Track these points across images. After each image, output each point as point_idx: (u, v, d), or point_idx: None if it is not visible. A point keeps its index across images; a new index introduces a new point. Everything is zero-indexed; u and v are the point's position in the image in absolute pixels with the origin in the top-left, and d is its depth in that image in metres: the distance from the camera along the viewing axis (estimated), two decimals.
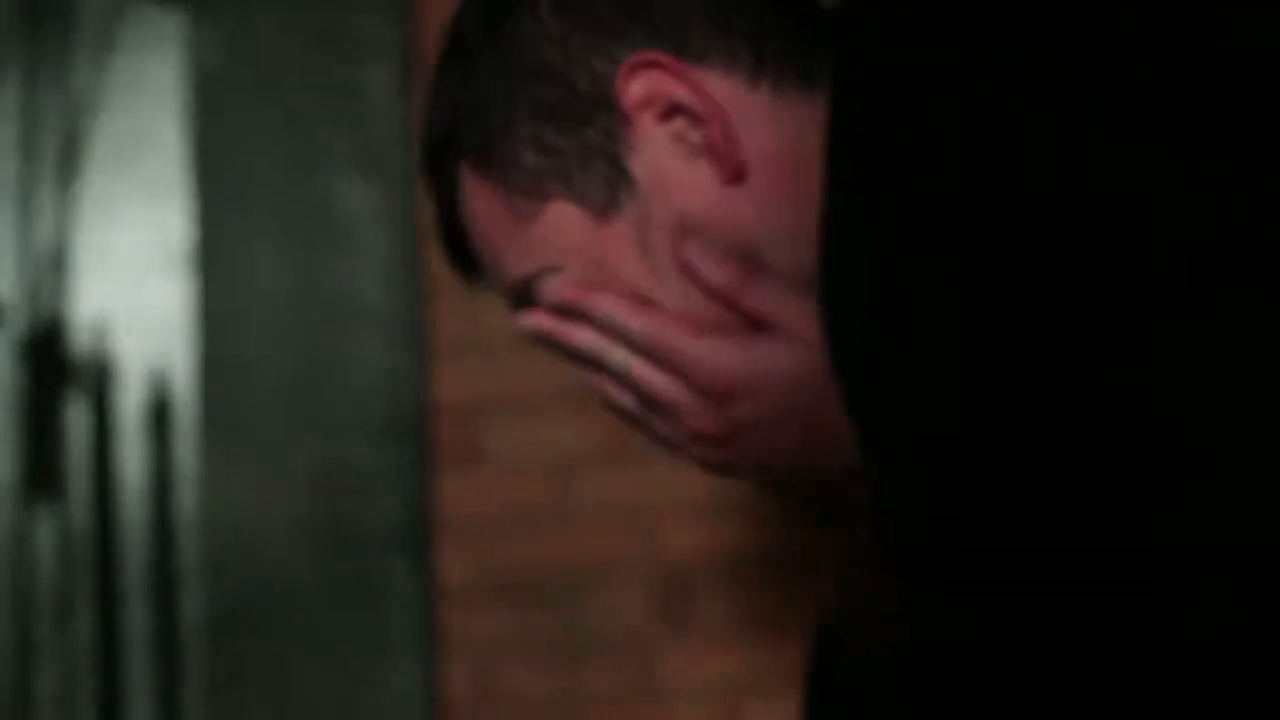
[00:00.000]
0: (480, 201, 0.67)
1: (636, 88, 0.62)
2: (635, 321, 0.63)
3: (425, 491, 1.49)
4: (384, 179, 1.52)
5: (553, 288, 0.65)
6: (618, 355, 0.64)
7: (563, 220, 0.64)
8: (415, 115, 1.51)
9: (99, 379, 1.31)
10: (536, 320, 0.66)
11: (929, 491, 0.45)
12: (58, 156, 1.49)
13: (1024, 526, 0.43)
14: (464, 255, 0.70)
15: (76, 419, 1.42)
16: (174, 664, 1.42)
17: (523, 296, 0.67)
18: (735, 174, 0.62)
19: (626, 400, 0.67)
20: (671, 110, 0.63)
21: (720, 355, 0.62)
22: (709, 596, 1.54)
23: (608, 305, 0.63)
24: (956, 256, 0.43)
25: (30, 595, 1.41)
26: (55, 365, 1.43)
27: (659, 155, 0.63)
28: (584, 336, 0.65)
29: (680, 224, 0.63)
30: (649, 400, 0.65)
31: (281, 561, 1.45)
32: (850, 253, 0.48)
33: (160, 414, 1.46)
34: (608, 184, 0.63)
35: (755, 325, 0.63)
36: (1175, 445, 0.41)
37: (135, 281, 1.48)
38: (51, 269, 1.46)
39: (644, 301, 0.64)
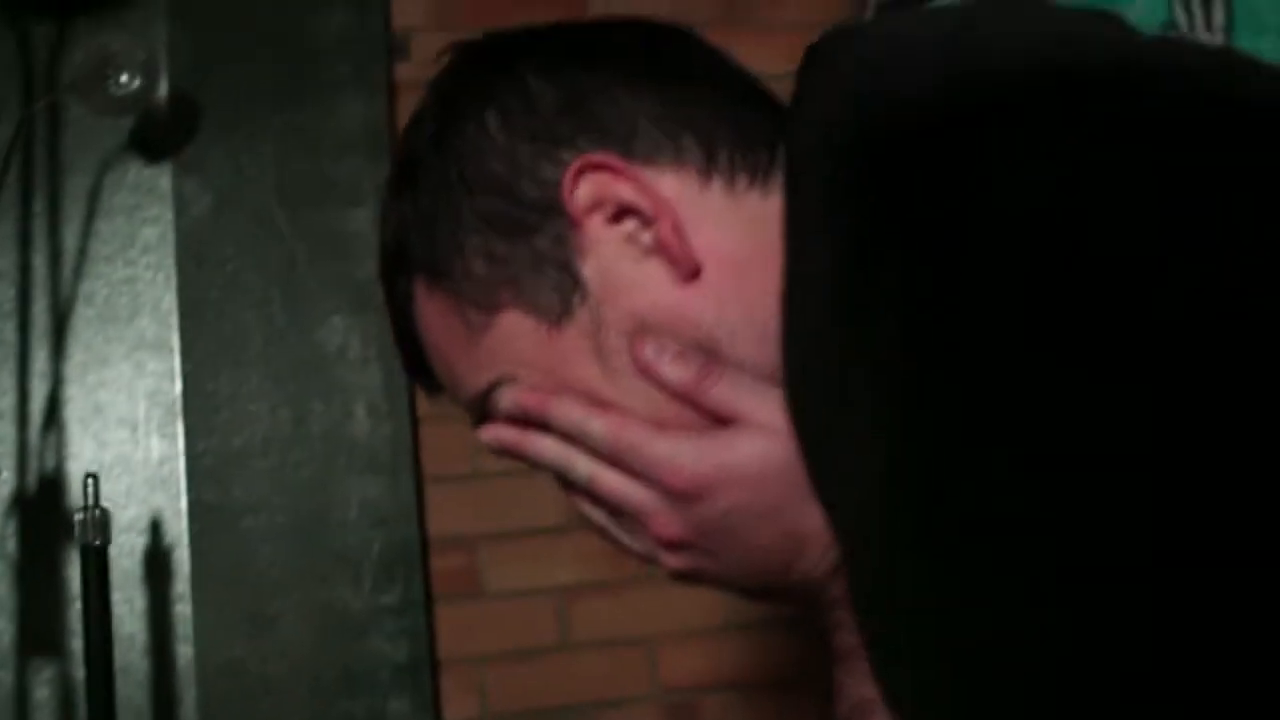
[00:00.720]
0: (433, 315, 0.66)
1: (584, 191, 0.61)
2: (595, 424, 0.61)
3: (425, 628, 1.47)
4: (370, 317, 1.54)
5: (509, 397, 0.64)
6: (580, 463, 0.63)
7: (515, 330, 0.63)
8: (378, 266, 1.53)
9: (94, 533, 1.31)
10: (496, 434, 0.65)
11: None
12: (50, 317, 1.51)
13: None
14: (423, 370, 0.69)
15: (73, 575, 1.42)
16: None
17: (481, 409, 0.66)
18: (688, 272, 0.61)
19: (598, 514, 0.65)
20: (620, 212, 0.61)
21: (683, 454, 0.60)
22: (714, 718, 1.51)
23: (565, 409, 0.62)
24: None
25: None
26: (51, 522, 1.43)
27: (610, 258, 0.62)
28: (545, 446, 0.64)
29: (636, 325, 0.61)
30: (615, 508, 0.63)
31: (283, 707, 1.43)
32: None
33: (155, 565, 1.45)
34: (559, 290, 0.62)
35: (719, 421, 0.60)
36: None
37: (129, 434, 1.49)
38: (45, 426, 1.47)
39: (602, 405, 0.62)
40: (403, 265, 0.67)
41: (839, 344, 0.49)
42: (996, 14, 0.52)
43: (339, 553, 1.48)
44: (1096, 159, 0.42)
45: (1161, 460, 0.38)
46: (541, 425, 0.64)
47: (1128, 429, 0.39)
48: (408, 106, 1.57)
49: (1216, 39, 0.74)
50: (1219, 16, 0.75)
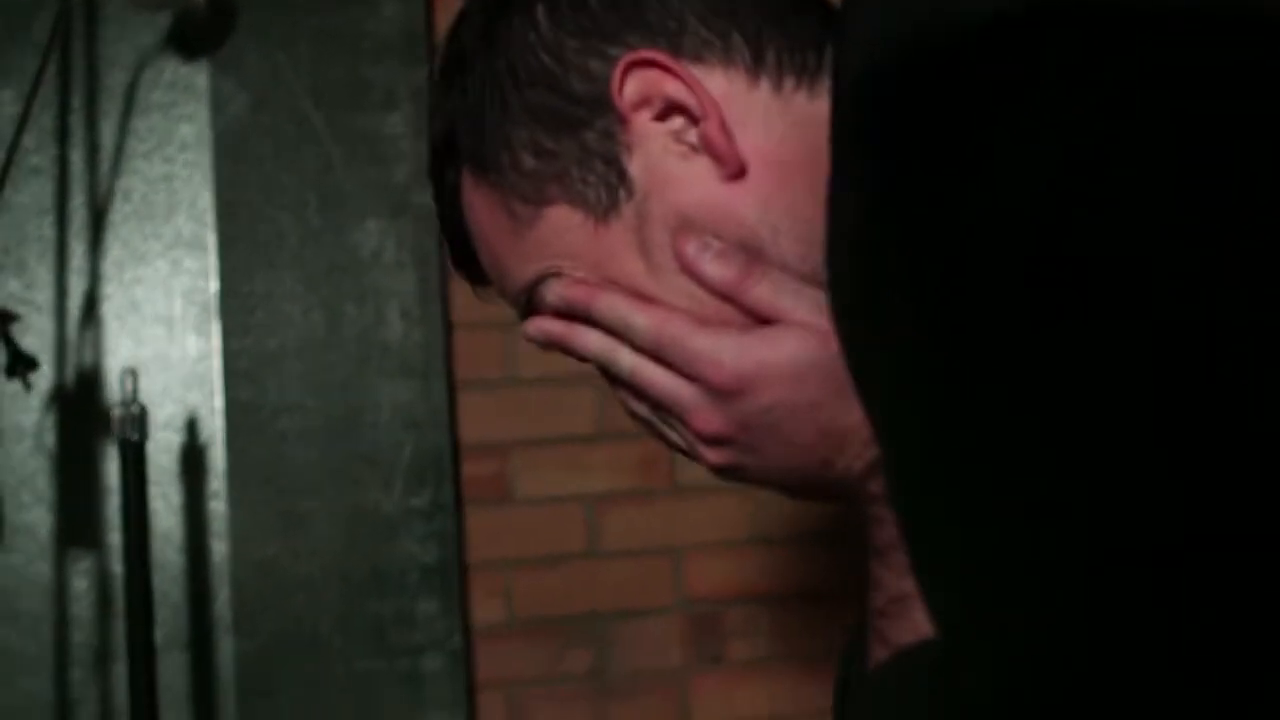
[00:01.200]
0: (481, 207, 0.66)
1: (631, 87, 0.61)
2: (639, 319, 0.62)
3: (455, 532, 1.49)
4: (406, 221, 1.54)
5: (555, 291, 0.64)
6: (624, 357, 0.63)
7: (562, 224, 0.63)
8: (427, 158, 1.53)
9: (132, 429, 1.32)
10: (543, 326, 0.66)
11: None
12: (88, 212, 1.51)
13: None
14: (470, 262, 0.70)
15: (109, 469, 1.44)
16: (209, 712, 1.43)
17: (527, 303, 0.66)
18: (734, 170, 0.61)
19: (641, 408, 0.65)
20: (668, 108, 0.62)
21: (725, 350, 0.60)
22: (739, 632, 1.53)
23: (610, 303, 0.62)
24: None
25: (67, 647, 1.42)
26: (89, 417, 1.45)
27: (656, 154, 0.62)
28: (591, 339, 0.64)
29: (680, 221, 0.61)
30: (658, 403, 0.64)
31: (313, 605, 1.46)
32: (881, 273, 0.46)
33: (192, 462, 1.47)
34: (606, 185, 0.62)
35: (760, 320, 0.61)
36: None
37: (166, 331, 1.50)
38: (84, 322, 1.48)
39: (647, 300, 0.62)
40: (450, 157, 0.68)
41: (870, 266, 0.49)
42: None
43: (370, 455, 1.49)
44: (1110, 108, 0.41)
45: (1180, 430, 0.37)
46: (586, 319, 0.64)
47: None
48: (445, 10, 1.56)
49: None
50: None
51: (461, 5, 0.69)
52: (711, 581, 1.54)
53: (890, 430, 0.46)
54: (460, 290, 1.54)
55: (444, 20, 1.56)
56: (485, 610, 1.50)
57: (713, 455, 0.63)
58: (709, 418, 0.61)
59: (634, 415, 0.67)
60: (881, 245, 0.45)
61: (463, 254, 0.70)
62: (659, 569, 1.53)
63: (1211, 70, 0.38)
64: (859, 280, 0.47)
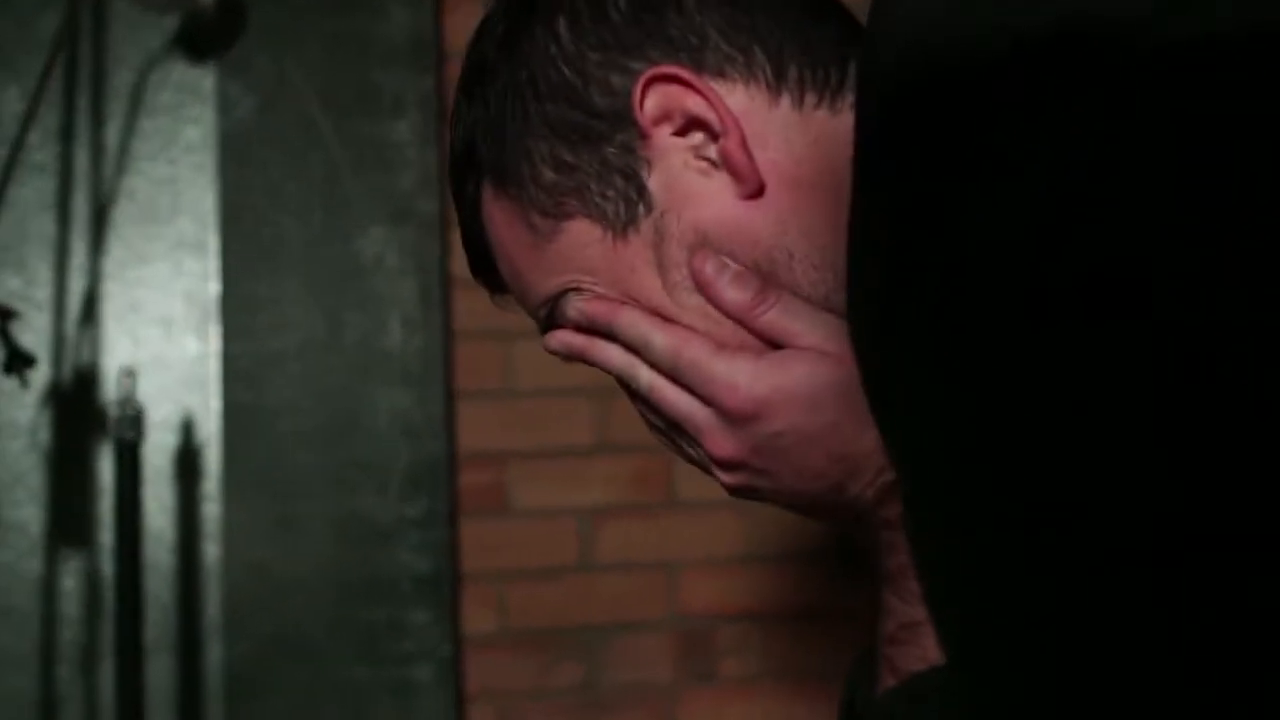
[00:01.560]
0: (501, 220, 0.66)
1: (652, 102, 0.61)
2: (657, 338, 0.62)
3: (449, 541, 1.49)
4: (410, 229, 1.53)
5: (576, 306, 0.64)
6: (643, 374, 0.64)
7: (581, 238, 0.63)
8: (441, 166, 1.53)
9: (127, 429, 1.32)
10: (564, 339, 0.66)
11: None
12: (90, 211, 1.51)
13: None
14: (489, 271, 0.70)
15: (104, 468, 1.43)
16: (196, 716, 1.42)
17: (548, 316, 0.66)
18: (753, 188, 0.61)
19: (660, 423, 0.66)
20: (689, 124, 0.62)
21: (739, 374, 0.60)
22: (730, 649, 1.53)
23: (631, 320, 0.63)
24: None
25: (54, 645, 1.42)
26: (85, 415, 1.45)
27: (676, 169, 0.62)
28: (612, 355, 0.65)
29: (697, 238, 0.61)
30: (674, 422, 0.64)
31: (304, 611, 1.45)
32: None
33: (186, 463, 1.47)
34: (625, 200, 0.62)
35: (772, 344, 0.61)
36: None
37: (165, 332, 1.50)
38: (83, 320, 1.48)
39: (666, 319, 0.62)
40: (471, 168, 0.68)
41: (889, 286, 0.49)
42: None
43: (367, 462, 1.49)
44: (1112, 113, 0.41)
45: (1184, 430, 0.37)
46: (608, 334, 0.64)
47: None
48: (455, 19, 1.56)
49: None
50: None
51: (482, 14, 0.69)
52: (705, 598, 1.53)
53: (907, 454, 0.46)
54: (462, 299, 1.53)
55: (453, 27, 1.56)
56: (477, 621, 1.50)
57: (726, 477, 0.63)
58: (722, 442, 0.62)
59: (652, 427, 0.67)
60: (903, 264, 0.45)
61: (482, 263, 0.70)
62: (653, 584, 1.52)
63: (1214, 77, 0.38)
64: (879, 300, 0.47)
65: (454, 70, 1.63)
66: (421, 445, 1.50)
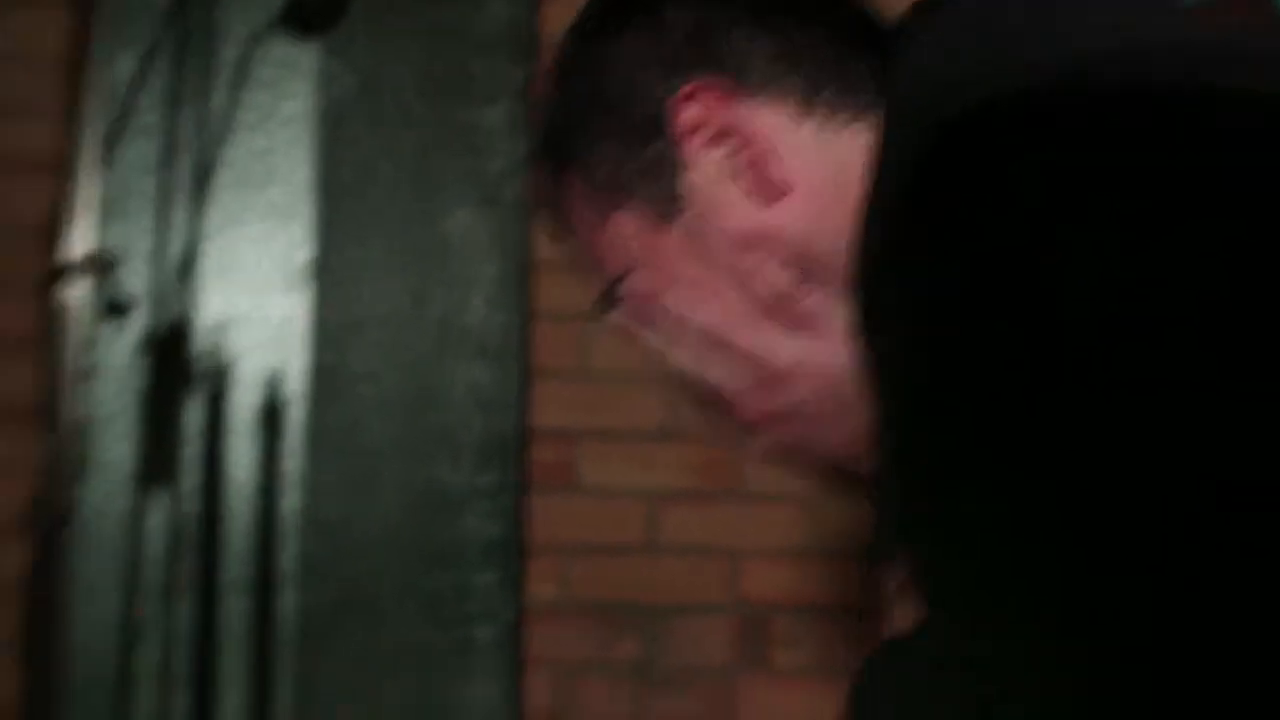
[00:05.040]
0: (573, 202, 0.74)
1: (689, 113, 0.69)
2: (697, 317, 0.69)
3: (518, 512, 1.52)
4: (497, 211, 1.58)
5: (628, 287, 0.72)
6: (685, 352, 0.71)
7: (629, 228, 0.71)
8: (530, 152, 1.57)
9: (216, 380, 1.36)
10: (620, 319, 0.73)
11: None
12: (193, 173, 1.56)
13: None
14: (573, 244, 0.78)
15: (193, 416, 1.47)
16: (267, 655, 1.45)
17: (610, 295, 0.74)
18: (776, 196, 0.67)
19: (700, 396, 0.73)
20: (720, 135, 0.68)
21: (776, 346, 0.68)
22: (786, 637, 1.54)
23: (673, 300, 0.70)
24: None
25: (137, 577, 1.45)
26: (177, 364, 1.49)
27: (707, 176, 0.69)
28: (658, 335, 0.72)
29: (729, 239, 0.68)
30: (713, 393, 0.71)
31: (375, 570, 1.48)
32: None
33: (271, 418, 1.51)
34: (664, 199, 0.69)
35: (805, 326, 0.68)
36: None
37: (257, 292, 1.55)
38: (180, 275, 1.53)
39: (704, 301, 0.70)
40: (549, 154, 0.75)
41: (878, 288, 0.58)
42: None
43: (442, 431, 1.52)
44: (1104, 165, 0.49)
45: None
46: (653, 313, 0.72)
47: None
48: (553, 10, 1.61)
49: None
50: None
51: (579, 6, 0.76)
52: (766, 587, 1.55)
53: (893, 444, 0.52)
54: (543, 280, 1.57)
55: (550, 19, 1.60)
56: (541, 590, 1.52)
57: (766, 435, 0.71)
58: (760, 401, 0.70)
59: (693, 399, 0.75)
60: (902, 276, 0.54)
61: (567, 237, 0.78)
62: (715, 569, 1.55)
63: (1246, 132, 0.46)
64: (879, 301, 0.56)
65: (545, 59, 1.67)
66: (495, 419, 1.54)
